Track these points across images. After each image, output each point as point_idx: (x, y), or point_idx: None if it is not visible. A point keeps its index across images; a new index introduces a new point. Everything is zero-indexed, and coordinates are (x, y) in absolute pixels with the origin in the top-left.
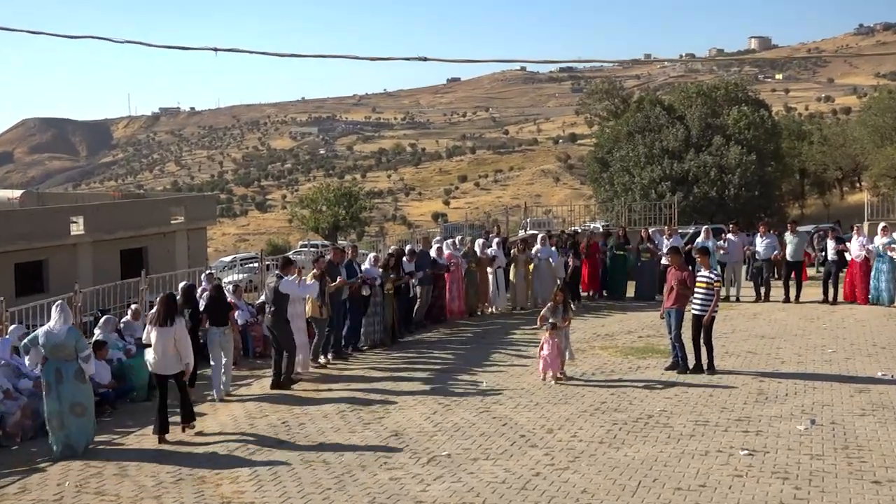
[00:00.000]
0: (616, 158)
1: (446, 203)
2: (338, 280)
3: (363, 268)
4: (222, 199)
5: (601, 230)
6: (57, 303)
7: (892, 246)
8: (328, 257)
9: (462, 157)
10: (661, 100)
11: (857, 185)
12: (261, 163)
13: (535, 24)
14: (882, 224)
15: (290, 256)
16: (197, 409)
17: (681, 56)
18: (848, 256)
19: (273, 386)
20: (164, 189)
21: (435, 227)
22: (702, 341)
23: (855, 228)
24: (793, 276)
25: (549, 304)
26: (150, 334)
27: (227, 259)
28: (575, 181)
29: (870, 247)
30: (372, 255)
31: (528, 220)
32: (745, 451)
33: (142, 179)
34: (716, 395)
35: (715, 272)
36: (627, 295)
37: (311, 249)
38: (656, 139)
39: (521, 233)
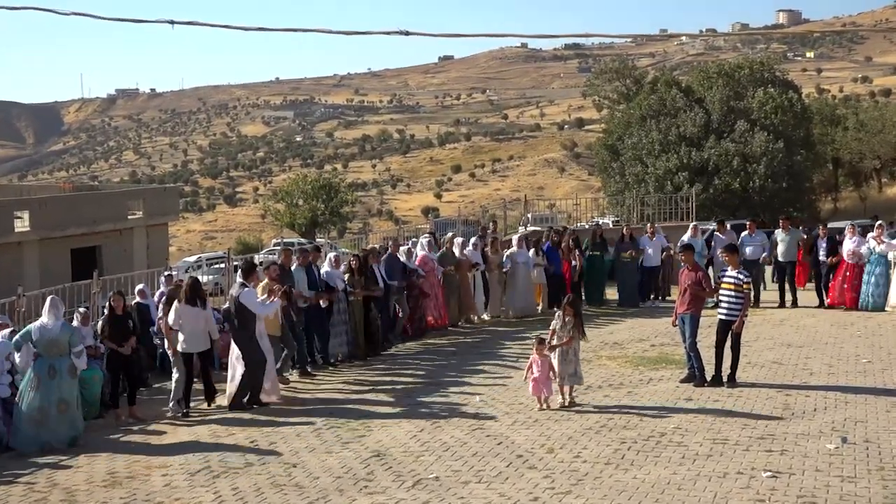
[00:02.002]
0: (627, 146)
1: (438, 196)
2: (293, 292)
3: (322, 271)
4: (186, 192)
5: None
6: (49, 297)
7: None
8: (279, 261)
9: (456, 145)
10: (678, 80)
11: None
12: (230, 151)
13: None
14: (878, 221)
15: (255, 261)
16: (155, 426)
17: (701, 31)
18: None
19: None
20: (121, 180)
21: (424, 223)
22: (727, 349)
23: (849, 228)
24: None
25: (557, 315)
26: (177, 314)
27: (192, 259)
28: (582, 172)
29: (862, 249)
30: (332, 255)
31: (529, 216)
32: (769, 473)
33: (96, 169)
34: (736, 410)
35: (744, 272)
36: (608, 300)
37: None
38: (672, 124)
39: (522, 229)
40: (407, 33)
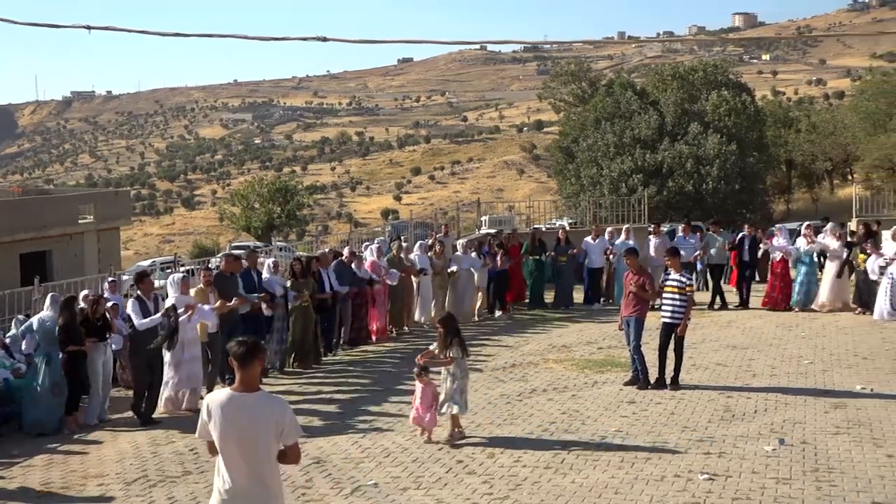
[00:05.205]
0: (583, 148)
1: (397, 199)
2: (234, 301)
3: (263, 277)
4: (144, 195)
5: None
6: (50, 294)
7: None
8: (218, 268)
9: (415, 147)
10: (632, 83)
11: (849, 177)
12: (187, 154)
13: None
14: (806, 223)
15: (148, 269)
16: (93, 436)
17: (658, 34)
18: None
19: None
20: (77, 184)
21: (382, 225)
22: (671, 352)
23: (776, 229)
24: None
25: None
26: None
27: (146, 263)
28: (541, 174)
29: (791, 249)
30: (270, 261)
31: (485, 218)
32: (705, 476)
33: (51, 173)
34: (678, 412)
35: (686, 275)
36: (546, 302)
37: (241, 252)
38: (627, 127)
39: (477, 232)
40: (325, 39)
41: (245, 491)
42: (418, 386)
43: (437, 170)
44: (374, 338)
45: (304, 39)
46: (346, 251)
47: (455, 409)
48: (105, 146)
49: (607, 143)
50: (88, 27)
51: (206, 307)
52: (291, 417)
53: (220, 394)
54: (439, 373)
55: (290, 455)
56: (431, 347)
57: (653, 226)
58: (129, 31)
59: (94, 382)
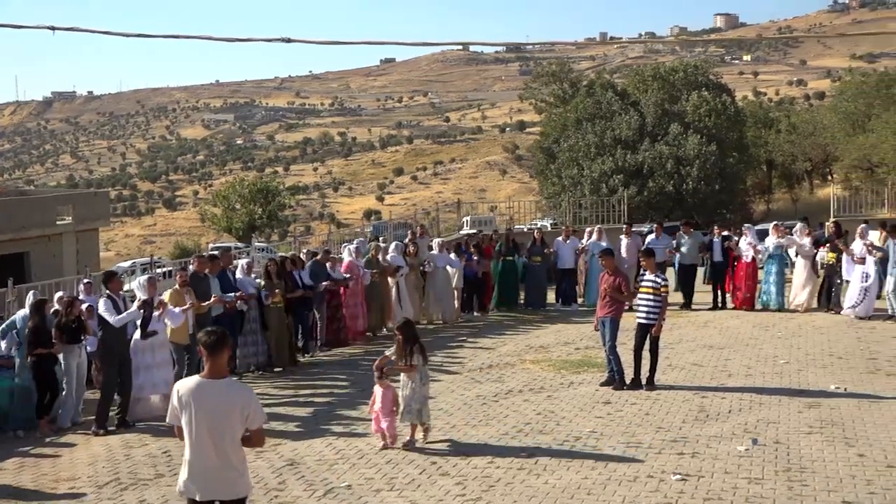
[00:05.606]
0: (563, 149)
1: (380, 199)
2: (213, 298)
3: (236, 277)
4: (126, 196)
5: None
6: (31, 292)
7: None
8: (192, 268)
9: (398, 148)
10: (613, 83)
11: (829, 177)
12: (169, 154)
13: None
14: (774, 223)
15: (115, 269)
16: (66, 439)
17: (640, 35)
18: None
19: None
20: (58, 184)
21: (363, 225)
22: (646, 352)
23: (743, 229)
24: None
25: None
26: None
27: (126, 264)
28: (524, 174)
29: (759, 247)
30: (244, 261)
31: (467, 219)
32: (678, 476)
33: (32, 174)
34: (652, 413)
35: (661, 276)
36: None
37: (213, 253)
38: (608, 127)
39: (459, 233)
40: (289, 40)
41: (213, 471)
42: (377, 390)
43: (420, 170)
44: (351, 339)
45: (269, 41)
46: (321, 252)
47: (408, 418)
48: (86, 147)
49: (588, 143)
50: (52, 28)
51: (177, 309)
52: (256, 403)
53: (190, 380)
54: (398, 378)
55: (254, 439)
56: (388, 353)
57: (625, 226)
58: (93, 31)
59: (68, 385)
